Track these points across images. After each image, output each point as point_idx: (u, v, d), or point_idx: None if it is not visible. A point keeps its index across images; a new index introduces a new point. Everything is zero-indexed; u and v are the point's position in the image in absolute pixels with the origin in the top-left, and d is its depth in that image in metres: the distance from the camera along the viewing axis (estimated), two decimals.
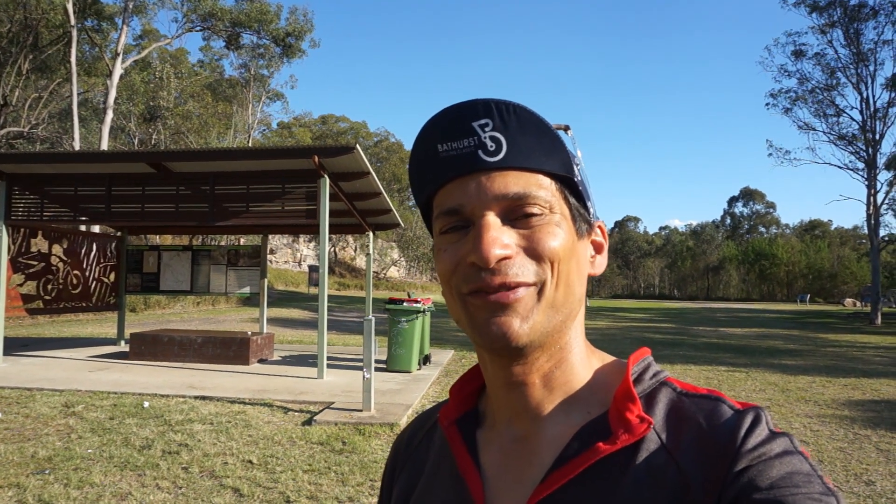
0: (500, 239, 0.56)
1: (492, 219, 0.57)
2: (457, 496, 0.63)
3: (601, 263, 0.66)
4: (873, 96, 29.19)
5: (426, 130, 0.60)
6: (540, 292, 0.57)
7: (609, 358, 0.67)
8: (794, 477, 0.50)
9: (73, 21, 24.56)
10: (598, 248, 0.66)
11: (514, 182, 0.57)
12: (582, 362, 0.63)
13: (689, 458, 0.54)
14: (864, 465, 5.24)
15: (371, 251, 13.75)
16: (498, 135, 0.57)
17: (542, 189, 0.58)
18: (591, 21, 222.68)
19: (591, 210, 0.65)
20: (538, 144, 0.58)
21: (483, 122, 0.57)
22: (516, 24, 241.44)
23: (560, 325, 0.59)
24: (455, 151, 0.58)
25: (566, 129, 0.66)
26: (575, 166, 0.61)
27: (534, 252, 0.57)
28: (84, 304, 11.38)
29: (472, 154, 0.57)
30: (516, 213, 0.57)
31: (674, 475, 0.54)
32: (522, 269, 0.56)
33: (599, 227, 0.66)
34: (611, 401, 0.60)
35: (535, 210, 0.57)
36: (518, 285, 0.56)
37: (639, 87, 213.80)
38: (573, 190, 0.61)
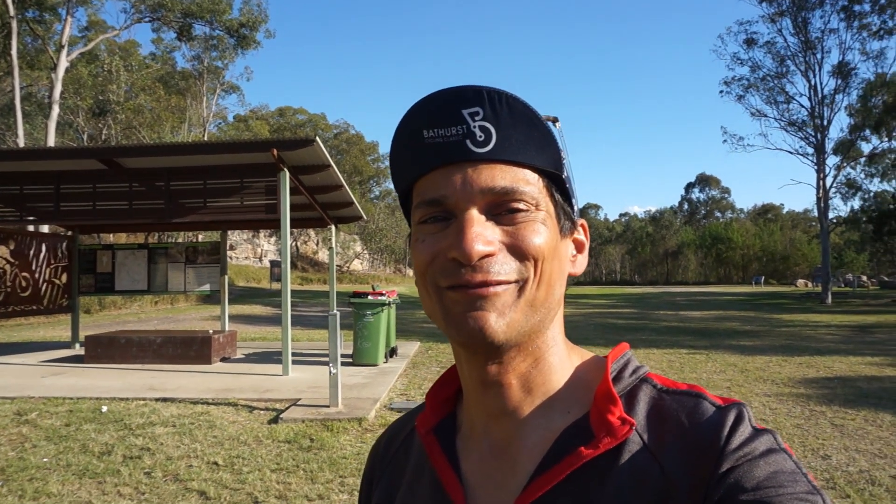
0: (483, 235, 0.54)
1: (476, 213, 0.54)
2: None
3: (582, 263, 0.65)
4: (821, 83, 30.30)
5: (412, 114, 0.58)
6: (520, 290, 0.55)
7: (588, 354, 0.66)
8: (778, 476, 0.50)
9: (12, 12, 23.47)
10: (579, 247, 0.65)
11: (502, 176, 0.55)
12: (561, 362, 0.61)
13: (673, 459, 0.54)
14: (821, 441, 5.43)
15: (333, 244, 13.60)
16: (488, 125, 0.55)
17: (530, 185, 0.56)
18: (547, 5, 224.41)
19: (576, 208, 0.63)
20: (529, 138, 0.56)
21: (473, 110, 0.55)
22: (472, 10, 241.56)
23: (538, 325, 0.58)
24: (441, 139, 0.55)
25: (554, 121, 0.64)
26: (563, 162, 0.59)
27: (517, 250, 0.55)
28: (35, 307, 10.94)
29: (459, 143, 0.55)
30: (501, 208, 0.55)
31: (657, 477, 0.53)
32: (504, 267, 0.54)
33: (582, 225, 0.65)
34: (591, 401, 0.59)
35: (521, 206, 0.55)
36: (499, 283, 0.54)
37: (595, 74, 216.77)
38: (560, 187, 0.59)
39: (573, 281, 0.66)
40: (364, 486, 0.76)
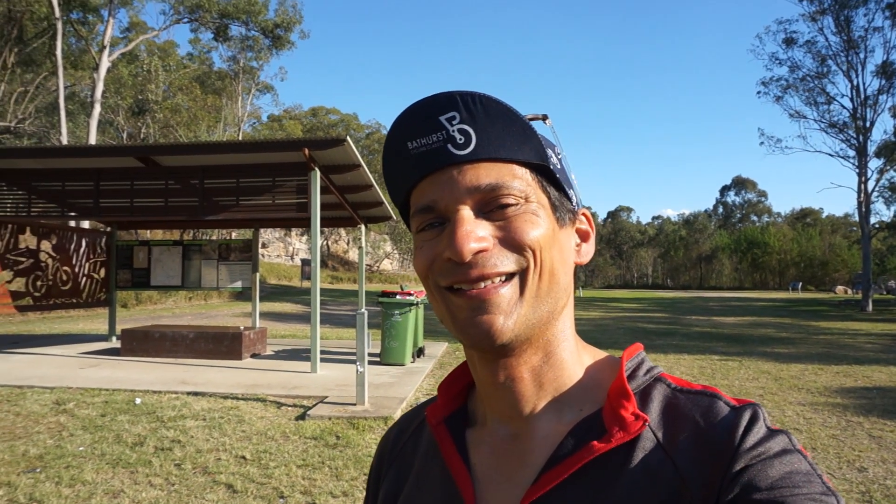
0: (474, 232, 0.55)
1: (466, 213, 0.55)
2: (447, 497, 0.62)
3: (588, 252, 0.65)
4: (864, 84, 29.27)
5: (395, 129, 0.59)
6: (522, 283, 0.56)
7: (601, 354, 0.66)
8: (793, 477, 0.50)
9: (57, 13, 24.23)
10: (583, 237, 0.65)
11: (486, 174, 0.56)
12: (572, 358, 0.62)
13: (686, 457, 0.53)
14: (857, 452, 5.27)
15: (363, 244, 13.71)
16: (466, 127, 0.56)
17: (517, 179, 0.57)
18: (585, 4, 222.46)
19: (574, 198, 0.63)
20: (508, 134, 0.56)
21: (450, 115, 0.56)
22: (507, 6, 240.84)
23: (546, 317, 0.58)
24: (425, 147, 0.57)
25: (544, 118, 0.64)
26: (554, 154, 0.60)
27: (511, 242, 0.56)
28: (74, 301, 11.26)
29: (441, 149, 0.56)
30: (491, 204, 0.56)
31: (670, 474, 0.53)
32: (501, 259, 0.55)
33: (584, 214, 0.65)
34: (604, 398, 0.59)
35: (510, 200, 0.56)
36: (497, 275, 0.55)
37: (630, 78, 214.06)
38: (551, 178, 0.60)
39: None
40: (372, 481, 0.76)
